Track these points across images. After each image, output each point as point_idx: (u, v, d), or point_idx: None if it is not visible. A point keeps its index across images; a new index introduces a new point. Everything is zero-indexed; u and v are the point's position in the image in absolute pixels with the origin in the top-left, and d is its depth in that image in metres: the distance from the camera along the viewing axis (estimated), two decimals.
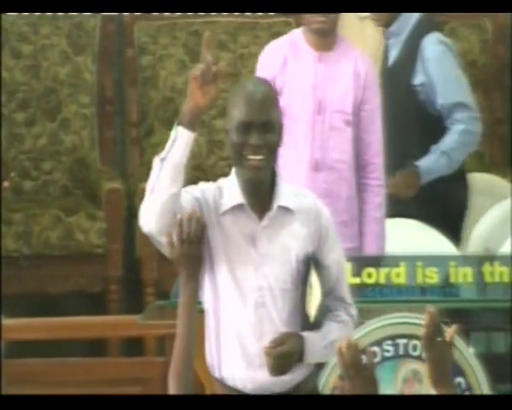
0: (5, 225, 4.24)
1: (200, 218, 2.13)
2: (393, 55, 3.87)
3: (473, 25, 5.26)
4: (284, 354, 2.13)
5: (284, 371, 2.17)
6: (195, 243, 2.11)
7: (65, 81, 4.92)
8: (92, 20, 4.97)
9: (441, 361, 1.72)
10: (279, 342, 2.15)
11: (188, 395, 2.13)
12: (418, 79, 3.78)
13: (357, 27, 3.98)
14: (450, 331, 1.74)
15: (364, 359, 1.65)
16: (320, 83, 3.27)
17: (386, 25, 3.84)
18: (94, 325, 3.35)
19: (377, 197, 3.38)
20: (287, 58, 3.26)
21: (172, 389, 2.11)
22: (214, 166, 4.94)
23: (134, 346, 3.97)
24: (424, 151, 3.75)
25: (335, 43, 3.33)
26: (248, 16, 5.05)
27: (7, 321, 2.86)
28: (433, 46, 3.80)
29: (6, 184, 3.57)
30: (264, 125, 2.17)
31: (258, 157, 2.16)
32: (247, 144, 2.15)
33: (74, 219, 4.56)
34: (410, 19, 3.80)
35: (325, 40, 3.30)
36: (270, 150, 2.20)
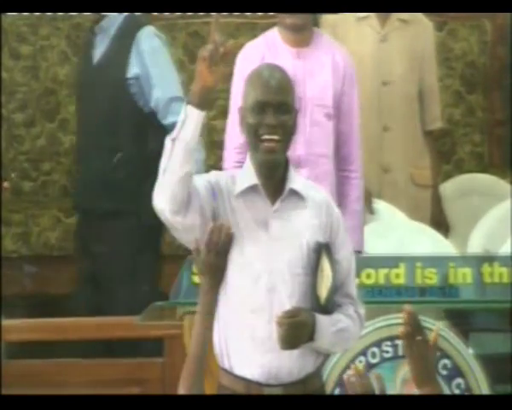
0: (4, 226, 4.24)
1: (229, 230, 2.14)
2: (101, 50, 3.81)
3: (472, 25, 5.25)
4: (296, 325, 2.14)
5: (294, 343, 2.17)
6: (222, 255, 2.13)
7: (64, 82, 4.92)
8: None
9: (422, 360, 1.74)
10: (291, 313, 2.17)
11: (188, 395, 2.14)
12: (133, 71, 3.69)
13: (354, 28, 3.98)
14: (433, 333, 1.76)
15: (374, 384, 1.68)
16: (299, 79, 3.27)
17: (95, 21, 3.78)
18: (93, 325, 3.34)
19: (356, 190, 3.40)
20: (264, 57, 3.26)
21: (182, 391, 2.13)
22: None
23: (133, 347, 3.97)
24: (135, 145, 3.71)
25: (312, 39, 3.35)
26: (247, 17, 5.05)
27: (6, 322, 2.85)
28: (149, 39, 3.72)
29: (6, 184, 3.56)
30: (280, 107, 2.22)
31: (274, 137, 2.20)
32: (263, 124, 2.19)
33: (74, 219, 4.56)
34: (120, 14, 3.73)
35: (301, 36, 3.32)
36: (285, 132, 2.24)
